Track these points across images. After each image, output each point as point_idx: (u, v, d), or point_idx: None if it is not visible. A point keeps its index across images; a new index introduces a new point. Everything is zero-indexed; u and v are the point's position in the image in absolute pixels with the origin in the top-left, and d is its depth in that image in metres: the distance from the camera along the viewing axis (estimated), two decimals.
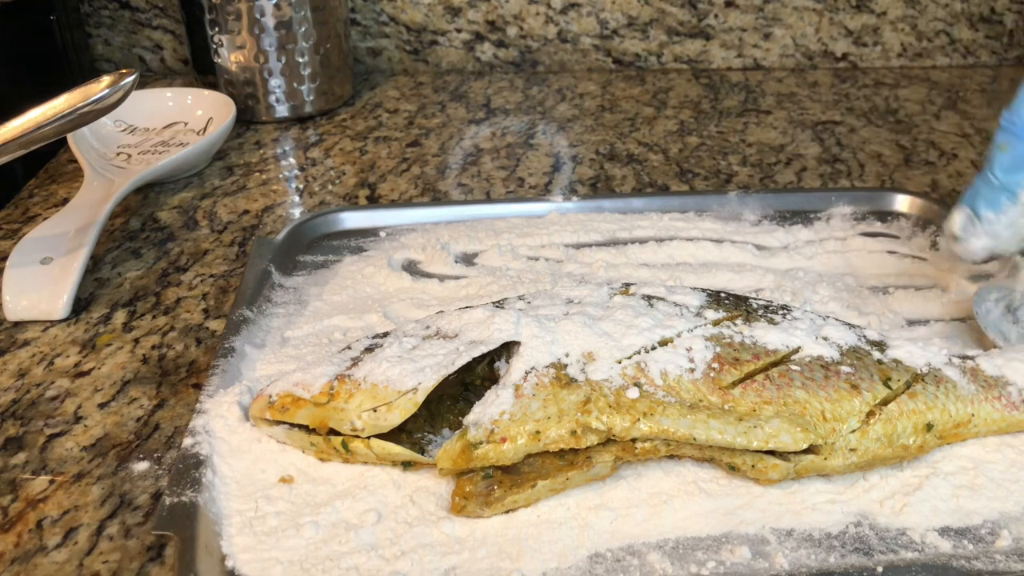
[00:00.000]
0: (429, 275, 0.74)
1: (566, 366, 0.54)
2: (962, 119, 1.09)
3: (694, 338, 0.56)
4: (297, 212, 0.89)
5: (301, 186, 0.94)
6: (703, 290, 0.62)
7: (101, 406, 0.62)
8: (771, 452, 0.52)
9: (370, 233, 0.80)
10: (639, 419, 0.51)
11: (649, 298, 0.60)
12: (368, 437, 0.53)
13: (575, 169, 0.97)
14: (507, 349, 0.56)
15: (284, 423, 0.55)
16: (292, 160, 1.00)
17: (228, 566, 0.48)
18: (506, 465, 0.51)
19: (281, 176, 0.96)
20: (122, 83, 0.69)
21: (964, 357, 0.59)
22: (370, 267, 0.75)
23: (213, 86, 1.07)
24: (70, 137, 0.90)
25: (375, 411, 0.53)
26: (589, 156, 0.99)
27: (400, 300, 0.70)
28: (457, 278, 0.74)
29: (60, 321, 0.71)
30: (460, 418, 0.54)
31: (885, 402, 0.54)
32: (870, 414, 0.54)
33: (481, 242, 0.78)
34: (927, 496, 0.52)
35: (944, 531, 0.50)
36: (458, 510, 0.51)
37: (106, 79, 0.69)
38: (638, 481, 0.53)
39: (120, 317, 0.72)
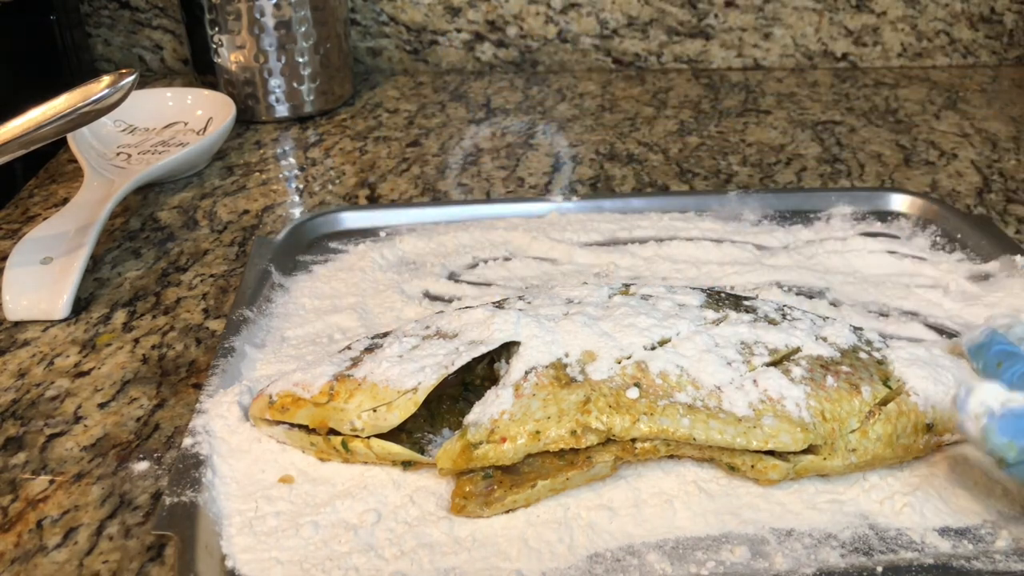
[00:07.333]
0: (429, 275, 0.74)
1: (566, 366, 0.54)
2: (962, 119, 1.09)
3: (694, 338, 0.56)
4: (297, 212, 0.89)
5: (301, 186, 0.94)
6: (703, 290, 0.62)
7: (101, 406, 0.62)
8: (771, 452, 0.52)
9: (370, 233, 0.80)
10: (639, 419, 0.51)
11: (649, 298, 0.60)
12: (368, 437, 0.53)
13: (575, 169, 0.97)
14: (507, 349, 0.56)
15: (284, 423, 0.55)
16: (292, 160, 1.00)
17: (228, 566, 0.48)
18: (506, 465, 0.51)
19: (281, 176, 0.96)
20: (122, 83, 0.69)
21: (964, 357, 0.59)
22: (370, 267, 0.75)
23: (213, 86, 1.07)
24: (70, 137, 0.90)
25: (375, 411, 0.53)
26: (589, 156, 1.00)
27: (400, 300, 0.70)
28: (457, 279, 0.74)
29: (60, 321, 0.71)
30: (460, 418, 0.54)
31: (885, 402, 0.54)
32: (870, 414, 0.54)
33: (481, 242, 0.78)
34: (927, 496, 0.52)
35: (944, 531, 0.50)
36: (458, 510, 0.51)
37: (106, 79, 0.69)
38: (638, 481, 0.53)
39: (120, 317, 0.72)
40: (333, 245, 0.79)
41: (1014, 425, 0.46)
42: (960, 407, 0.48)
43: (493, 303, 0.61)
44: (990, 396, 0.47)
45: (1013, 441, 0.46)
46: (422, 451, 0.54)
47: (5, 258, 0.75)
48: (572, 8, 1.23)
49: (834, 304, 0.70)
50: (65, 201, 0.88)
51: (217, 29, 1.04)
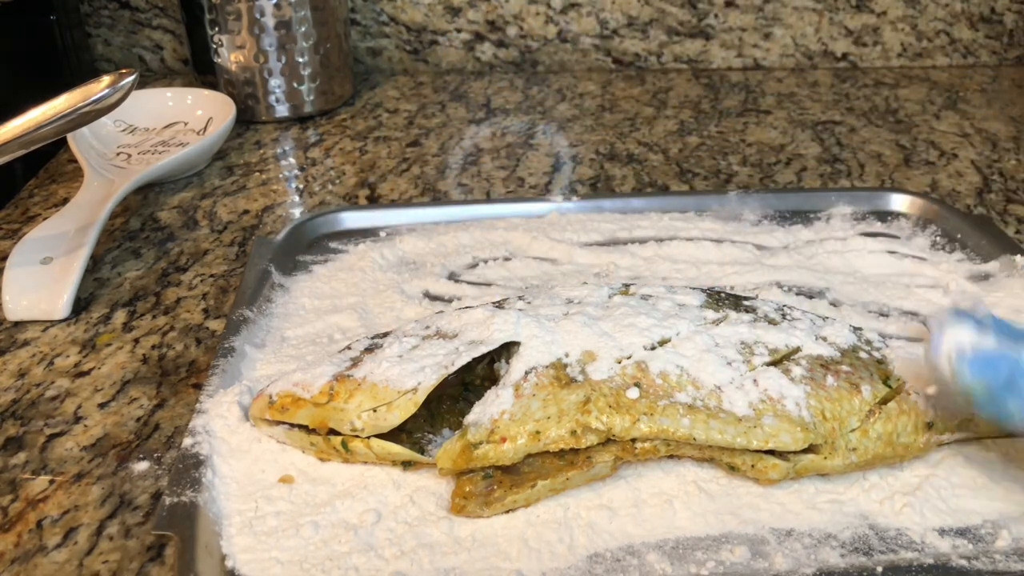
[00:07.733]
0: (429, 275, 0.74)
1: (566, 366, 0.54)
2: (962, 119, 1.09)
3: (694, 338, 0.56)
4: (297, 212, 0.89)
5: (301, 186, 0.94)
6: (703, 290, 0.62)
7: (101, 406, 0.62)
8: (771, 452, 0.52)
9: (370, 233, 0.80)
10: (639, 419, 0.51)
11: (649, 298, 0.60)
12: (368, 437, 0.53)
13: (575, 169, 0.97)
14: (507, 349, 0.56)
15: (284, 423, 0.55)
16: (292, 160, 1.00)
17: (228, 566, 0.48)
18: (506, 465, 0.51)
19: (281, 176, 0.96)
20: (122, 83, 0.69)
21: None
22: (370, 267, 0.75)
23: (213, 86, 1.07)
24: (70, 137, 0.90)
25: (375, 411, 0.53)
26: (589, 156, 1.00)
27: (400, 300, 0.70)
28: (457, 279, 0.74)
29: (60, 321, 0.71)
30: (460, 418, 0.54)
31: (885, 401, 0.54)
32: (870, 413, 0.54)
33: (481, 242, 0.78)
34: (927, 496, 0.52)
35: (944, 531, 0.50)
36: (458, 510, 0.51)
37: (106, 79, 0.69)
38: (638, 481, 0.53)
39: (120, 317, 0.72)
40: (333, 245, 0.79)
41: (985, 365, 0.49)
42: (934, 348, 0.50)
43: (493, 303, 0.61)
44: (963, 336, 0.50)
45: (983, 380, 0.49)
46: (422, 451, 0.54)
47: (5, 258, 0.75)
48: (572, 8, 1.23)
49: (834, 304, 0.70)
50: (65, 201, 0.88)
51: (217, 29, 1.04)
